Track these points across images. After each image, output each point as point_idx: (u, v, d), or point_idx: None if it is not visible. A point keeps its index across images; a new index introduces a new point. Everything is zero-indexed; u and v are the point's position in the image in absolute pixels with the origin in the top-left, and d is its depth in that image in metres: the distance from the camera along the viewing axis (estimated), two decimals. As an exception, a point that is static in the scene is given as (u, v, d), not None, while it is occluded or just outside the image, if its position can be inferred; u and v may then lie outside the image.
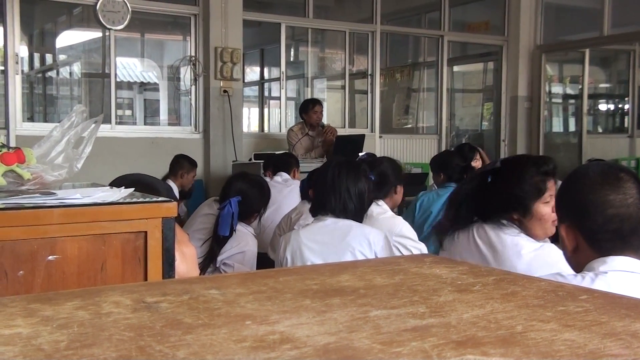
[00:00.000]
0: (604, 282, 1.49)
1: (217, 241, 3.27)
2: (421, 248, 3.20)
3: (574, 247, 1.63)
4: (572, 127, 10.50)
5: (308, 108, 6.97)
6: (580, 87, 9.88)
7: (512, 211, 2.21)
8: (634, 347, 0.59)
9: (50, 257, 1.32)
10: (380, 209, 3.28)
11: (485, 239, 2.22)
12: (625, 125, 11.28)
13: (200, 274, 3.09)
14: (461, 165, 4.68)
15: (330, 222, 2.78)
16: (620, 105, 11.63)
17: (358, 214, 2.87)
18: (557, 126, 10.78)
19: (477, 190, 2.28)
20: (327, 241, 2.73)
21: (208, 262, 3.26)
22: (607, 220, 1.55)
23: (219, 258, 3.28)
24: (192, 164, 6.02)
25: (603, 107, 11.61)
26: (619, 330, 0.63)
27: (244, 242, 3.32)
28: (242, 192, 3.35)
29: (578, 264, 1.63)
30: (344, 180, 2.81)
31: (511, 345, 0.59)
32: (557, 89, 10.74)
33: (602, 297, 0.77)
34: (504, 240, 2.18)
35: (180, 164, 5.92)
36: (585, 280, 1.52)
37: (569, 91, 10.83)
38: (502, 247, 2.17)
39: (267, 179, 4.50)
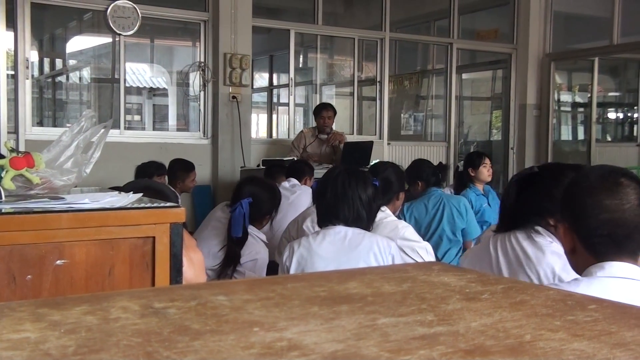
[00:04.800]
0: (600, 287, 1.48)
1: (233, 244, 3.29)
2: (427, 247, 3.20)
3: (571, 248, 1.64)
4: (580, 136, 10.47)
5: (316, 113, 7.12)
6: (589, 95, 9.85)
7: (548, 215, 2.18)
8: (644, 358, 0.59)
9: (58, 262, 1.32)
10: (383, 214, 3.28)
11: (519, 247, 2.21)
12: (635, 134, 11.25)
13: (221, 278, 3.13)
14: (432, 167, 4.70)
15: (342, 231, 2.75)
16: (629, 114, 11.59)
17: (369, 222, 2.86)
18: (566, 134, 10.75)
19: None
20: (338, 249, 2.70)
21: (228, 265, 3.29)
22: (599, 224, 1.55)
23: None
24: (188, 168, 5.77)
25: (612, 115, 11.58)
26: (628, 340, 0.63)
27: (255, 250, 3.35)
28: (252, 194, 3.36)
29: (576, 265, 1.64)
30: (354, 189, 2.79)
31: (520, 355, 0.58)
32: (566, 97, 10.72)
33: (611, 306, 0.77)
34: (542, 247, 2.16)
35: (174, 173, 5.69)
36: (580, 287, 1.51)
37: (578, 99, 10.80)
38: (539, 254, 2.16)
39: None
